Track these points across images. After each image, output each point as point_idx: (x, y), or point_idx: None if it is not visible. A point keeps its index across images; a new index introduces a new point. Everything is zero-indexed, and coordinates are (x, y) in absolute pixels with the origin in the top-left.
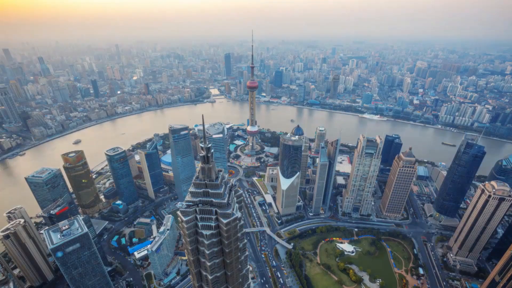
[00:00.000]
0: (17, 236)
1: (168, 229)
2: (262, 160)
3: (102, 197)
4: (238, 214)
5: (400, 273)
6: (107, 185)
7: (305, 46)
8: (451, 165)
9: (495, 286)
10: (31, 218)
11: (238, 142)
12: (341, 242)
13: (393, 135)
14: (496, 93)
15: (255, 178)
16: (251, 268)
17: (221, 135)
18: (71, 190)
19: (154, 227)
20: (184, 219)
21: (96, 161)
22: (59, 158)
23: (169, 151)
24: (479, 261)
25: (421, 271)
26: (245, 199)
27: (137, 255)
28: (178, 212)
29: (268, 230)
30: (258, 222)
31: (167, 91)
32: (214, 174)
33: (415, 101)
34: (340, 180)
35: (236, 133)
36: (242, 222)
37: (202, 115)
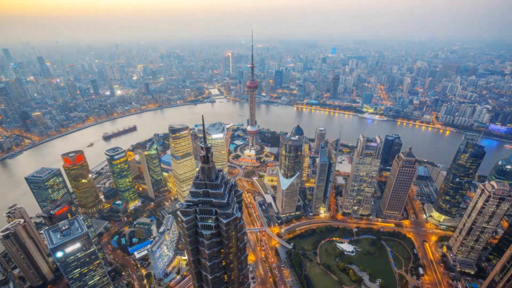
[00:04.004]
0: (17, 236)
1: (168, 229)
2: (262, 160)
3: (102, 197)
4: (238, 214)
5: (400, 273)
6: (107, 185)
7: (305, 46)
8: (451, 165)
9: (495, 286)
10: (31, 218)
11: (238, 142)
12: (341, 242)
13: (393, 135)
14: (495, 93)
15: (255, 178)
16: (251, 268)
17: (221, 135)
18: (71, 190)
19: (154, 227)
20: (184, 219)
21: (96, 161)
22: (59, 158)
23: (169, 151)
24: (479, 261)
25: (421, 271)
26: (245, 199)
27: (137, 255)
28: (178, 212)
29: (268, 230)
30: (258, 222)
31: (167, 91)
32: (214, 174)
33: (415, 101)
34: (340, 180)
35: (236, 133)
36: (242, 222)
37: (202, 115)
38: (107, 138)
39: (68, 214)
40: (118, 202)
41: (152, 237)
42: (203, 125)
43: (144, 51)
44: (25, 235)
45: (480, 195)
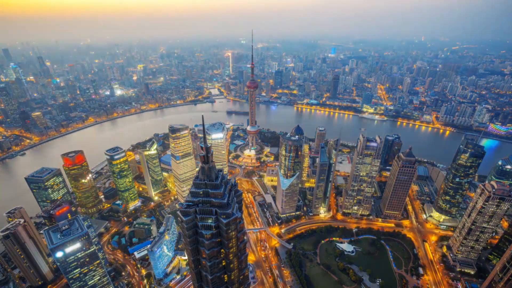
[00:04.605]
0: (17, 236)
1: (168, 229)
2: (262, 160)
3: (102, 197)
4: (238, 214)
5: (400, 273)
6: (107, 185)
7: (305, 46)
8: (451, 165)
9: (495, 286)
10: (31, 218)
11: (238, 142)
12: (341, 242)
13: (393, 135)
14: (495, 93)
15: (255, 178)
16: (251, 268)
17: (221, 135)
18: (71, 190)
19: (154, 227)
20: (184, 219)
21: (96, 161)
22: (59, 158)
23: (169, 151)
24: (479, 261)
25: (421, 271)
26: (245, 199)
27: (137, 255)
28: (178, 212)
29: (268, 230)
30: (258, 222)
31: (167, 91)
32: (214, 174)
33: (415, 101)
34: (340, 180)
35: (236, 133)
36: (242, 222)
37: (202, 115)
38: (229, 113)
39: (68, 214)
40: (118, 202)
41: (152, 237)
42: (203, 125)
43: (144, 51)
44: (25, 235)
45: (480, 195)
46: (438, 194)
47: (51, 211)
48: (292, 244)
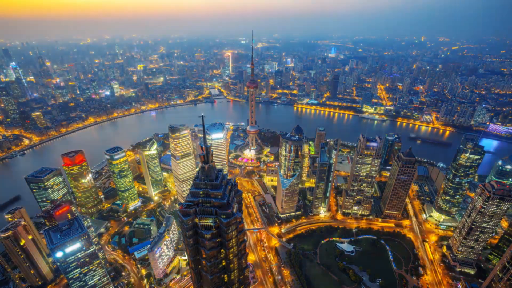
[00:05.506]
0: (17, 236)
1: (168, 229)
2: (262, 160)
3: (102, 197)
4: (238, 214)
5: (400, 273)
6: (107, 185)
7: (305, 46)
8: (451, 165)
9: (495, 286)
10: (31, 218)
11: (238, 142)
12: (341, 242)
13: (393, 135)
14: (495, 93)
15: (255, 178)
16: (251, 268)
17: (221, 135)
18: (71, 190)
19: (154, 227)
20: (184, 219)
21: (96, 161)
22: (59, 158)
23: (169, 151)
24: (479, 261)
25: (421, 271)
26: (245, 199)
27: (137, 255)
28: (178, 212)
29: (268, 230)
30: (258, 222)
31: (167, 91)
32: (214, 174)
33: (415, 101)
34: (340, 180)
35: (236, 133)
36: (242, 222)
37: (202, 116)
38: (412, 139)
39: (68, 214)
40: (118, 202)
41: (152, 237)
42: (203, 125)
43: (144, 51)
44: (25, 235)
45: (480, 195)
46: (438, 194)
47: (51, 211)
48: (292, 244)
